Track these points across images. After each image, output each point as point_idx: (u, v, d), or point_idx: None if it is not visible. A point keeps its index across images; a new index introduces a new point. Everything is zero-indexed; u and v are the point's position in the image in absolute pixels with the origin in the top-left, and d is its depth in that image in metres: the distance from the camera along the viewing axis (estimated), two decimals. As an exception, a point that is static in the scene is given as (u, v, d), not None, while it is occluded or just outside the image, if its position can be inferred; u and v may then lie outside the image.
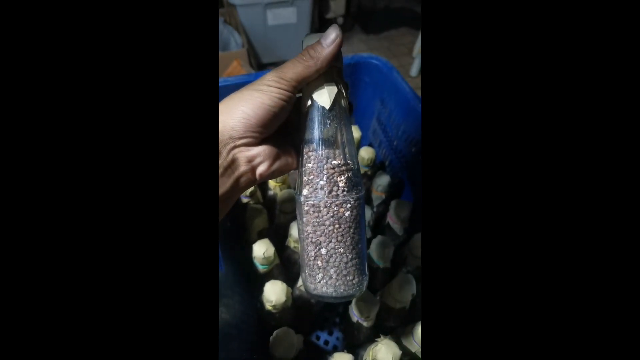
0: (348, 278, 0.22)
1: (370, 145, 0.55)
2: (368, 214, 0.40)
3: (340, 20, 1.56)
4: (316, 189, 0.21)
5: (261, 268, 0.37)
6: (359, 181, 0.23)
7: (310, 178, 0.22)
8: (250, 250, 0.37)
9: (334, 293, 0.22)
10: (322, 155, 0.21)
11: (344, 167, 0.21)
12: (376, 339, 0.30)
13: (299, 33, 1.31)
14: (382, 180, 0.43)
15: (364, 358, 0.31)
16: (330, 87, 0.21)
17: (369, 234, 0.43)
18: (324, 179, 0.21)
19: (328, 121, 0.22)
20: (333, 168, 0.21)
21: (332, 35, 0.21)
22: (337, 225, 0.21)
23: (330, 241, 0.21)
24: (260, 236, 0.39)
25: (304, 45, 0.22)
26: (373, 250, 0.37)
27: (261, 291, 0.34)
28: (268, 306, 0.33)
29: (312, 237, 0.22)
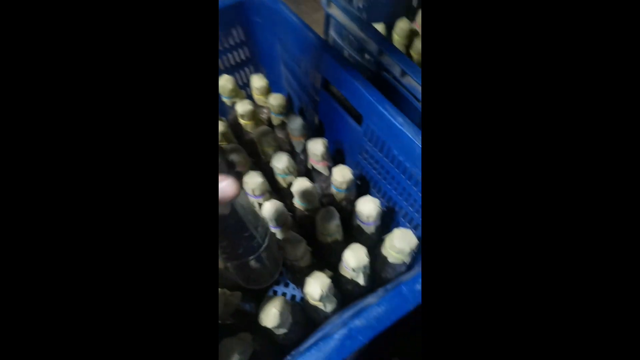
0: None
1: (288, 95, 0.53)
2: (285, 159, 0.38)
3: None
4: None
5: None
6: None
7: None
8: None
9: None
10: None
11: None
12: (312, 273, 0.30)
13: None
14: (296, 124, 0.42)
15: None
16: None
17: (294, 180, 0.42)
18: None
19: None
20: None
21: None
22: None
23: None
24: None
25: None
26: (295, 193, 0.36)
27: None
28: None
29: None
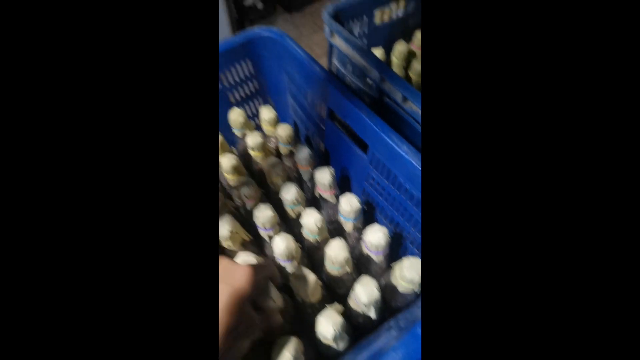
0: None
1: (295, 124, 0.54)
2: (293, 190, 0.39)
3: (260, 4, 1.50)
4: None
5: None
6: None
7: None
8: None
9: None
10: None
11: None
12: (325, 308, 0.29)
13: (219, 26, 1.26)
14: (303, 154, 0.42)
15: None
16: None
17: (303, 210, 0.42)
18: None
19: None
20: None
21: None
22: None
23: None
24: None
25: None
26: (304, 225, 0.36)
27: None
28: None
29: None
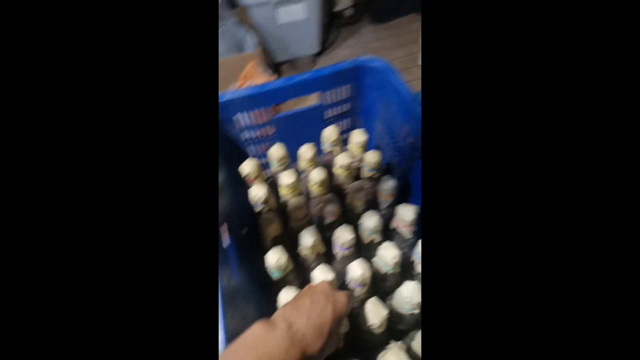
0: None
1: (377, 148, 0.55)
2: (375, 219, 0.41)
3: (349, 11, 1.53)
4: None
5: (275, 275, 0.39)
6: None
7: None
8: (265, 257, 0.39)
9: None
10: None
11: None
12: (386, 346, 0.31)
13: (310, 29, 1.31)
14: (388, 184, 0.44)
15: None
16: None
17: (378, 238, 0.44)
18: None
19: None
20: None
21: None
22: None
23: None
24: (275, 242, 0.41)
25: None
26: (380, 256, 0.38)
27: (277, 298, 0.36)
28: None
29: None
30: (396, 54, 1.46)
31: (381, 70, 0.47)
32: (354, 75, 0.49)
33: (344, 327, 0.34)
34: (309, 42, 1.37)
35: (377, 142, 0.55)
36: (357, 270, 0.35)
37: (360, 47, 1.50)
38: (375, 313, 0.33)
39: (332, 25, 1.53)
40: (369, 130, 0.55)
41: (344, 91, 0.51)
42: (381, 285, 0.41)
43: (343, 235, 0.38)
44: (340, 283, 0.38)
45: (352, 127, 0.57)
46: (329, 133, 0.49)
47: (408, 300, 0.34)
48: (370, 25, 1.61)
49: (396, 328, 0.38)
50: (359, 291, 0.38)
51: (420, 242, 0.39)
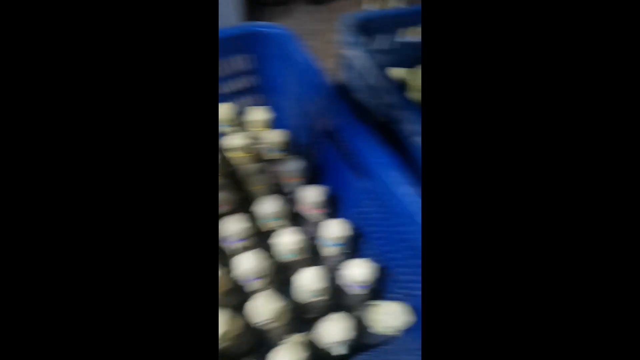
0: None
1: (284, 127, 0.51)
2: (273, 204, 0.36)
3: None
4: None
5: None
6: None
7: None
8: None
9: None
10: None
11: None
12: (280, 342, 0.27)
13: (225, 4, 1.19)
14: (293, 165, 0.40)
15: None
16: None
17: (284, 225, 0.39)
18: None
19: None
20: None
21: None
22: None
23: None
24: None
25: None
26: (276, 243, 0.34)
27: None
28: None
29: None
30: (335, 37, 1.41)
31: (283, 39, 0.42)
32: (252, 44, 0.43)
33: (236, 328, 0.29)
34: (225, 20, 1.25)
35: (285, 122, 0.51)
36: (247, 262, 0.30)
37: (293, 28, 1.41)
38: (266, 307, 0.29)
39: (261, 3, 1.42)
40: (276, 109, 0.50)
41: (239, 63, 0.45)
42: (284, 275, 0.37)
43: (232, 227, 0.33)
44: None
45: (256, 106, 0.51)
46: (225, 111, 0.42)
47: (307, 288, 0.31)
48: (305, 5, 1.52)
49: (304, 318, 0.35)
50: (255, 285, 0.33)
51: (328, 224, 0.35)
